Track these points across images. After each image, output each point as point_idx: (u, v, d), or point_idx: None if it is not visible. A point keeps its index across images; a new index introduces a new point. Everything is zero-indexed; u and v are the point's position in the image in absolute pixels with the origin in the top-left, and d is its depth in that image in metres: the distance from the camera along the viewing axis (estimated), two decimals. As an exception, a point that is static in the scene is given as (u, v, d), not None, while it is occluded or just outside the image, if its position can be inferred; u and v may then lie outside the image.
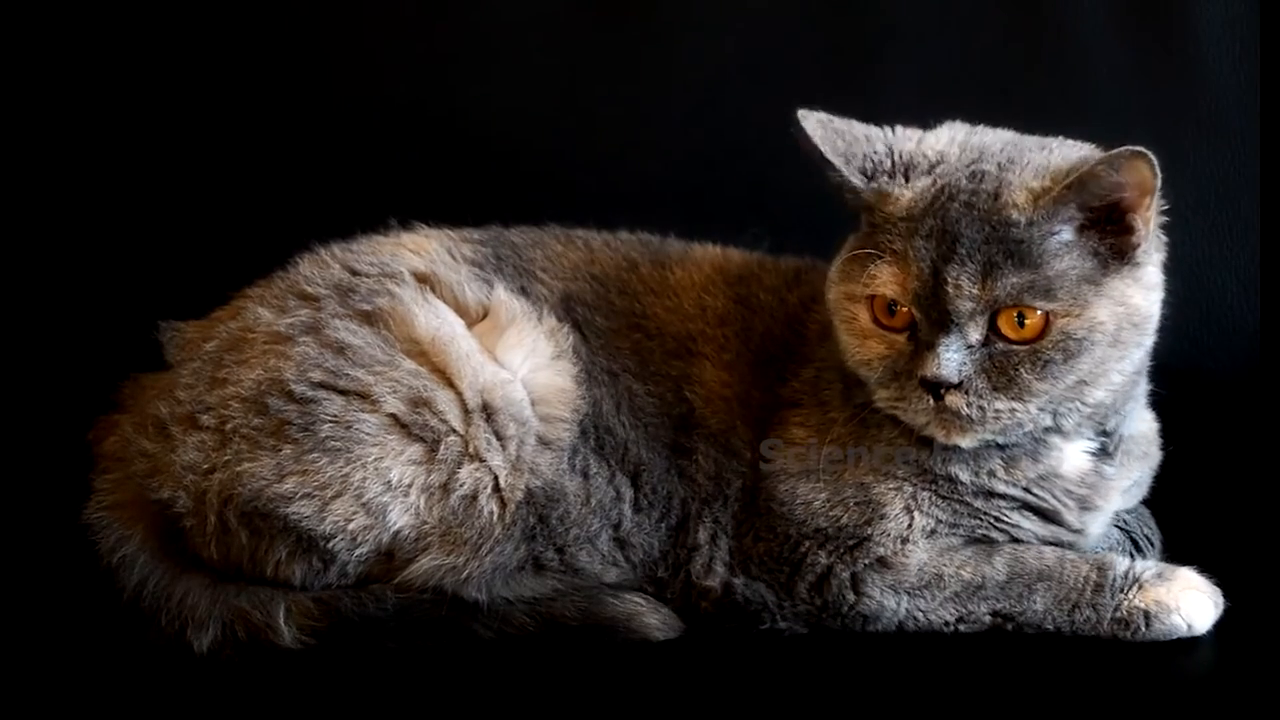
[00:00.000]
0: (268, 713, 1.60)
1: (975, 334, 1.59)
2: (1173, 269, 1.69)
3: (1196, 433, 1.93)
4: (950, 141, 1.69)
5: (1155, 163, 1.56)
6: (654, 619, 1.71)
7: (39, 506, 1.98)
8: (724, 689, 1.63)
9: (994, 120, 1.75)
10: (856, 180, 1.66)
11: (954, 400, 1.59)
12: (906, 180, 1.65)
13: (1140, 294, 1.63)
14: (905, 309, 1.62)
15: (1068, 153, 1.66)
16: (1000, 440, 1.66)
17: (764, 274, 1.86)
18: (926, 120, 1.76)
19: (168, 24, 2.46)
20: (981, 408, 1.60)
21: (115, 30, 2.45)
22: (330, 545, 1.67)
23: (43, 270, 2.45)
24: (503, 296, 1.79)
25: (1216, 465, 2.11)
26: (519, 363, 1.75)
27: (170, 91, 2.46)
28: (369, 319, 1.73)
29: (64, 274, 2.45)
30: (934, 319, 1.59)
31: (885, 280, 1.62)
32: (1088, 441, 1.71)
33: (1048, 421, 1.65)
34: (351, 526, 1.66)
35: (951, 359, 1.58)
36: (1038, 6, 2.41)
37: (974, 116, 1.76)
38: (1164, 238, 1.68)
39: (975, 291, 1.57)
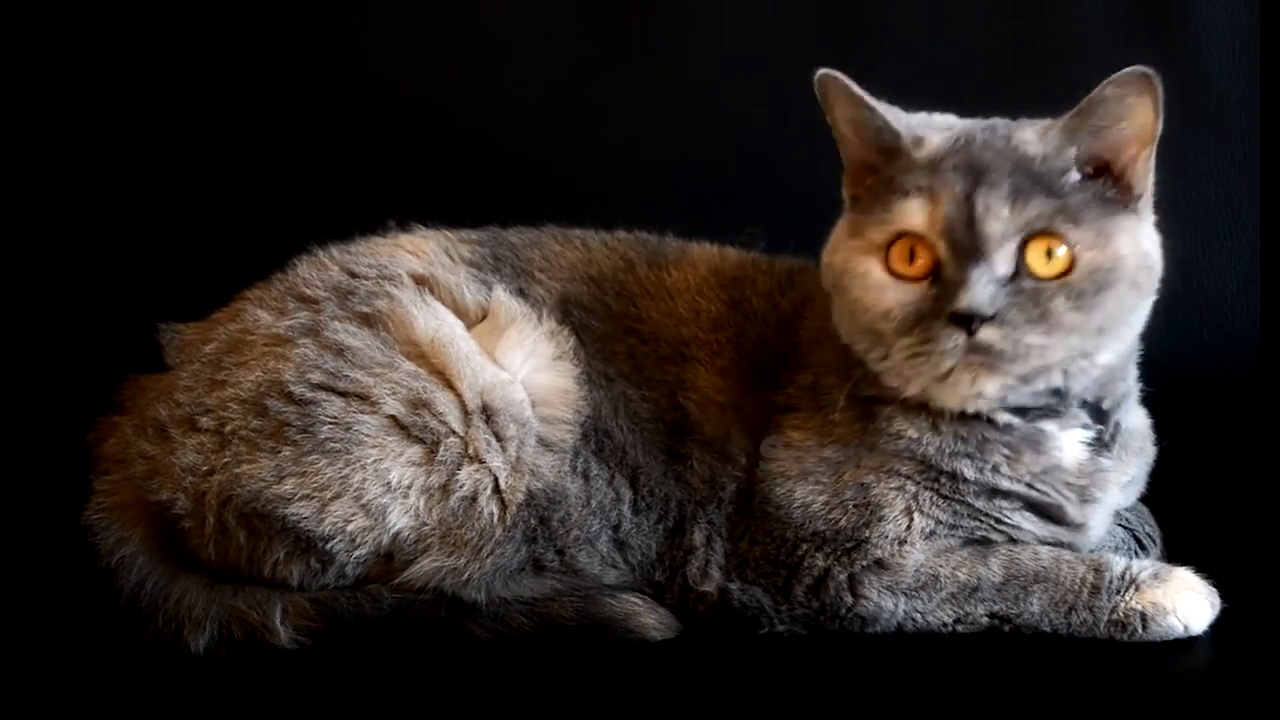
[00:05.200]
0: (263, 713, 1.60)
1: (1004, 265, 1.58)
2: (1173, 269, 1.69)
3: (1196, 432, 1.93)
4: (949, 120, 1.71)
5: (1160, 95, 1.58)
6: (651, 619, 1.71)
7: (39, 507, 1.99)
8: (722, 689, 1.63)
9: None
10: (895, 124, 1.65)
11: (988, 334, 1.57)
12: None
13: (1149, 240, 1.65)
14: (926, 257, 1.60)
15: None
16: (1021, 389, 1.63)
17: (758, 277, 1.85)
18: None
19: (168, 24, 2.46)
20: (1014, 340, 1.57)
21: (115, 30, 2.46)
22: (329, 546, 1.67)
23: (43, 270, 2.46)
24: (501, 298, 1.79)
25: (1216, 465, 2.10)
26: (519, 364, 1.75)
27: (170, 92, 2.46)
28: (368, 321, 1.73)
29: (64, 274, 2.45)
30: (963, 250, 1.58)
31: (913, 212, 1.60)
32: (1082, 430, 1.71)
33: (1059, 381, 1.64)
34: (350, 528, 1.67)
35: (985, 288, 1.56)
36: (1038, 6, 2.41)
37: (973, 115, 1.75)
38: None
39: (1007, 214, 1.57)
